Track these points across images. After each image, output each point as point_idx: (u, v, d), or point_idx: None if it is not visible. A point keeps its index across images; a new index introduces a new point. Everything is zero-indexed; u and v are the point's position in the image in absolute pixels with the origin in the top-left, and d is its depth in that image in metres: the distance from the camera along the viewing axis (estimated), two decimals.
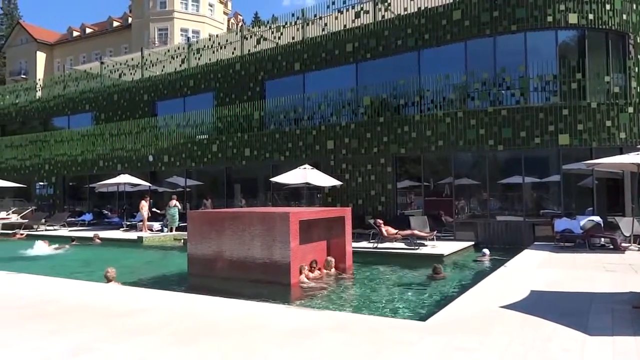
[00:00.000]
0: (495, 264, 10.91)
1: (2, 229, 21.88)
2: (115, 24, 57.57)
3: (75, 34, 60.76)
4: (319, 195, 19.30)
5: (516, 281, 8.31)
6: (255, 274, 9.75)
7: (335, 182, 16.96)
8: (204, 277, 10.51)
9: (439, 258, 12.19)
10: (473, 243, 14.89)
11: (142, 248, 16.89)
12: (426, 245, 13.57)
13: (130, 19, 54.59)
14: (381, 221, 14.04)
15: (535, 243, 13.90)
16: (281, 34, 22.01)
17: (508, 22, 16.02)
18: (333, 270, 10.71)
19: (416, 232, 13.80)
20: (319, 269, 10.38)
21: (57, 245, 16.17)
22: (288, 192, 19.83)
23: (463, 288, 8.60)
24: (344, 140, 18.22)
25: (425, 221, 15.03)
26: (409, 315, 7.31)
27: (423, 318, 6.32)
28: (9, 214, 25.45)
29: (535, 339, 4.98)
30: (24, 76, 57.71)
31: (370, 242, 14.20)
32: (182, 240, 16.88)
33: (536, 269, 9.64)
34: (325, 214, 11.41)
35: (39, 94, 32.79)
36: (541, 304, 6.52)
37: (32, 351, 4.74)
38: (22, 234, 20.77)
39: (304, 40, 20.95)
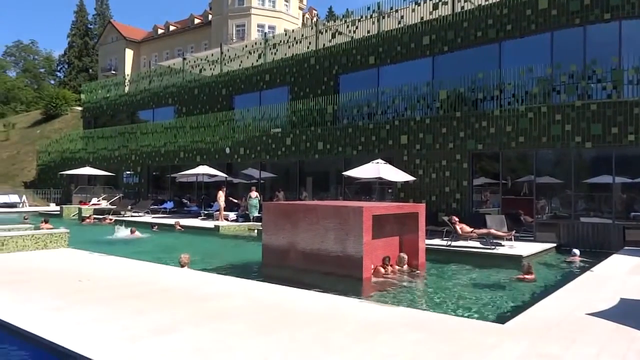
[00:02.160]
0: (582, 268, 10.27)
1: (94, 214, 23.60)
2: (196, 21, 60.00)
3: (160, 31, 64.04)
4: (389, 191, 19.10)
5: (604, 287, 7.78)
6: (328, 267, 9.83)
7: (409, 178, 16.69)
8: (278, 267, 10.74)
9: (517, 259, 11.67)
10: (555, 245, 14.10)
11: (218, 236, 17.57)
12: (503, 246, 13.04)
13: (210, 16, 56.68)
14: (457, 218, 13.65)
15: (626, 248, 12.92)
16: (356, 27, 21.94)
17: (601, 10, 14.95)
18: (406, 266, 10.57)
19: (493, 231, 13.29)
20: (392, 265, 10.28)
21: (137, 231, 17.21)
22: (359, 187, 19.80)
23: (544, 291, 8.17)
24: (418, 135, 17.87)
25: (503, 220, 14.43)
26: (485, 317, 7.06)
27: (501, 320, 6.08)
28: (99, 200, 27.46)
29: (629, 349, 4.64)
30: (113, 72, 61.71)
31: (443, 240, 13.86)
32: (256, 231, 17.39)
33: (627, 275, 8.97)
34: (398, 209, 11.27)
35: (127, 88, 34.97)
36: (634, 314, 6.06)
37: (121, 330, 5.08)
38: (111, 219, 22.30)
39: (379, 34, 20.75)
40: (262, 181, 23.82)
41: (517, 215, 15.62)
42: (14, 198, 30.77)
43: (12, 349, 5.10)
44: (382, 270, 9.95)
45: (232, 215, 21.22)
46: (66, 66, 77.14)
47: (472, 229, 13.41)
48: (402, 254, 10.73)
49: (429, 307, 7.57)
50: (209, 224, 19.59)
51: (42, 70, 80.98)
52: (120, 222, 19.04)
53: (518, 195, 16.12)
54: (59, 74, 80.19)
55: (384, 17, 21.08)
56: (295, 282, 8.10)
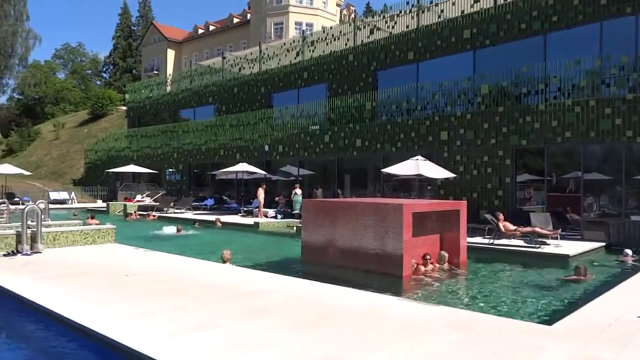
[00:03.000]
0: (634, 269, 9.83)
1: (138, 211, 24.34)
2: (235, 20, 60.82)
3: (200, 31, 65.28)
4: (428, 188, 18.84)
5: None
6: (367, 264, 9.78)
7: (449, 175, 16.40)
8: (317, 264, 10.77)
9: (563, 258, 11.30)
10: (604, 244, 13.54)
11: (257, 233, 17.79)
12: (549, 244, 12.63)
13: (249, 15, 57.33)
14: (501, 216, 13.31)
15: None
16: (395, 22, 21.70)
17: None
18: (446, 264, 10.40)
19: (538, 229, 12.89)
20: (432, 263, 10.14)
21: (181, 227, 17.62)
22: (397, 184, 19.61)
23: (594, 292, 7.86)
24: (459, 131, 17.53)
25: (548, 218, 13.98)
26: (530, 317, 6.86)
27: (548, 322, 5.88)
28: (143, 197, 28.26)
29: None
30: (156, 72, 63.36)
31: (485, 238, 13.56)
32: (295, 228, 17.49)
33: None
34: (439, 206, 11.09)
35: (168, 88, 35.85)
36: None
37: (166, 324, 5.20)
38: (154, 216, 22.95)
39: (418, 29, 20.46)
40: (300, 178, 23.93)
41: (563, 213, 15.11)
42: (63, 195, 32.10)
43: (65, 341, 5.32)
44: (423, 268, 9.83)
45: (271, 212, 21.44)
46: (111, 67, 79.78)
47: (515, 227, 13.05)
48: (442, 252, 10.57)
49: (471, 307, 7.41)
50: (249, 220, 19.86)
51: (88, 71, 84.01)
52: (165, 219, 19.54)
53: (564, 192, 15.58)
54: (104, 74, 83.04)
55: (423, 12, 20.76)
56: (334, 279, 8.09)
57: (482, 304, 7.71)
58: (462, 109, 18.06)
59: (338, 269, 10.16)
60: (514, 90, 16.84)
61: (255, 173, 23.66)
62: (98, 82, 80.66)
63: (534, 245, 12.47)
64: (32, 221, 10.39)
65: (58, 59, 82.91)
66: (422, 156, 16.66)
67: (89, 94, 63.33)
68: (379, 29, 22.51)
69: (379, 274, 9.42)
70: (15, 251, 9.95)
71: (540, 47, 16.70)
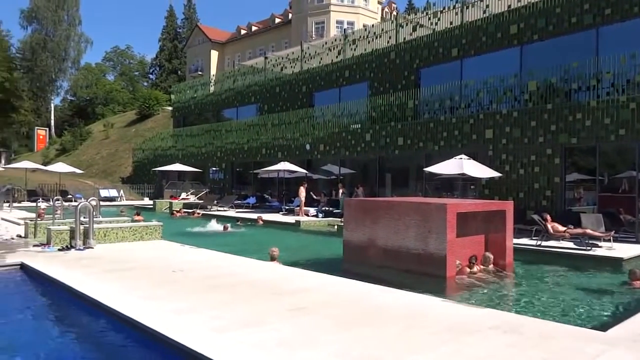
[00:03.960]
0: None
1: (183, 208, 24.96)
2: (277, 20, 61.37)
3: (242, 32, 66.26)
4: (472, 187, 18.43)
5: None
6: (409, 265, 9.67)
7: (494, 174, 15.99)
8: (358, 263, 10.73)
9: (617, 262, 10.81)
10: None
11: (299, 231, 17.89)
12: (600, 247, 12.11)
13: (290, 15, 57.74)
14: (549, 217, 12.87)
15: None
16: (438, 19, 21.34)
17: None
18: (492, 266, 10.15)
19: (589, 231, 12.38)
20: (477, 265, 9.91)
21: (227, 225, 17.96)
22: (439, 183, 19.28)
23: None
24: (505, 129, 17.06)
25: (600, 219, 13.39)
26: (581, 322, 6.59)
27: (603, 328, 5.64)
28: (188, 195, 28.99)
29: None
30: (200, 73, 64.76)
31: (532, 239, 13.13)
32: (336, 226, 17.51)
33: None
34: (484, 206, 10.83)
35: (212, 88, 36.59)
36: None
37: (212, 319, 5.31)
38: (198, 213, 23.48)
39: (462, 25, 20.04)
40: (341, 177, 23.92)
41: (616, 214, 14.45)
42: (113, 192, 33.30)
43: (115, 333, 5.52)
44: (467, 269, 9.63)
45: (312, 210, 21.53)
46: (157, 68, 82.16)
47: (565, 229, 12.58)
48: (487, 253, 10.31)
49: (518, 310, 7.20)
50: (290, 219, 20.01)
51: (136, 73, 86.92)
52: (209, 217, 19.95)
53: (617, 193, 14.90)
54: (151, 76, 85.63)
55: (467, 8, 20.32)
56: (376, 279, 8.04)
57: (529, 307, 7.48)
58: (508, 106, 17.56)
59: (379, 268, 10.09)
60: (564, 86, 16.23)
61: (296, 172, 23.82)
62: (145, 84, 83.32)
63: (584, 248, 11.99)
64: (84, 218, 10.84)
65: (108, 62, 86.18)
66: (466, 155, 16.31)
67: (136, 95, 65.51)
68: (421, 26, 22.20)
69: (421, 274, 9.30)
70: (69, 246, 10.40)
71: (592, 41, 16.03)
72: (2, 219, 17.42)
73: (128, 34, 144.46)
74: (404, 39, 22.63)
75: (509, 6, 18.61)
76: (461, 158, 15.69)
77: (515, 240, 11.68)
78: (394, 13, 47.80)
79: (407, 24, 23.05)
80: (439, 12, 21.37)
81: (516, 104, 17.41)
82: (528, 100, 16.99)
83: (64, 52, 63.05)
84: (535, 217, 13.31)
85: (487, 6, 19.68)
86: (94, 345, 5.51)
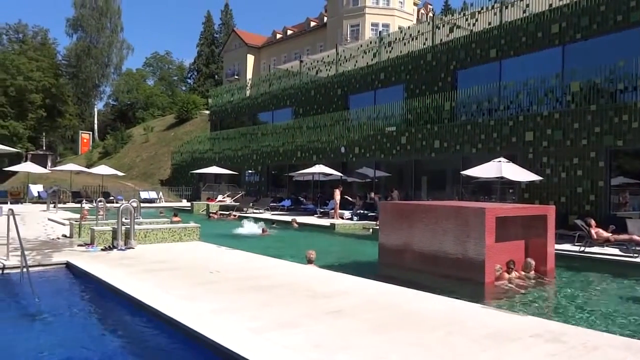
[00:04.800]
0: None
1: (220, 210, 25.36)
2: (312, 24, 61.70)
3: (278, 36, 66.93)
4: (510, 191, 18.00)
5: None
6: (446, 269, 9.52)
7: (534, 177, 15.56)
8: (394, 267, 10.64)
9: None
10: None
11: (333, 234, 17.89)
12: None
13: (325, 18, 57.94)
14: (593, 222, 12.42)
15: None
16: (476, 20, 20.99)
17: None
18: (532, 272, 9.87)
19: (636, 237, 11.88)
20: (517, 270, 9.66)
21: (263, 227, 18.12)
22: (476, 187, 18.91)
23: None
24: (546, 132, 16.59)
25: None
26: (627, 333, 6.32)
27: None
28: (224, 197, 29.43)
29: None
30: (236, 77, 65.77)
31: (575, 245, 12.70)
32: (371, 229, 17.41)
33: None
34: (524, 211, 10.56)
35: (248, 92, 37.08)
36: None
37: (248, 319, 5.37)
38: (235, 215, 23.80)
39: (501, 25, 19.64)
40: (376, 180, 23.79)
41: None
42: (152, 194, 34.17)
43: (154, 331, 5.64)
44: (507, 275, 9.40)
45: (347, 213, 21.49)
46: (195, 73, 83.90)
47: (610, 234, 12.12)
48: (528, 259, 10.04)
49: (561, 318, 6.97)
50: (325, 221, 20.02)
51: (175, 78, 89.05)
52: (248, 219, 20.16)
53: None
54: (189, 80, 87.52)
55: (506, 8, 19.89)
56: (412, 283, 7.94)
57: (572, 316, 7.23)
58: (549, 108, 17.09)
59: (415, 272, 9.97)
60: (609, 87, 15.66)
61: (331, 175, 23.83)
62: (183, 88, 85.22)
63: (631, 255, 11.51)
64: (125, 219, 11.15)
65: (148, 67, 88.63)
66: (505, 158, 15.95)
67: (175, 99, 67.07)
68: (458, 27, 21.88)
69: (459, 279, 9.13)
70: (111, 246, 10.73)
71: (639, 39, 15.41)
72: (49, 219, 18.14)
73: (167, 40, 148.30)
74: (441, 40, 22.35)
75: (550, 5, 18.12)
76: (500, 161, 15.37)
77: (557, 246, 11.32)
78: (430, 14, 47.29)
79: (443, 25, 22.76)
80: (476, 13, 21.01)
81: (558, 106, 16.92)
82: (570, 101, 16.48)
83: (106, 59, 65.29)
84: (579, 222, 12.86)
85: (527, 5, 19.21)
86: (135, 342, 5.65)
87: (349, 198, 23.02)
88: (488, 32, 20.03)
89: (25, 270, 7.60)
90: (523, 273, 9.80)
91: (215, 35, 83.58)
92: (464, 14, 21.83)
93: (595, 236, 12.16)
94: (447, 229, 9.60)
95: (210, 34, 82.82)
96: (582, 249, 12.32)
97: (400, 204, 12.60)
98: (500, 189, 17.90)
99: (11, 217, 8.59)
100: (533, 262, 9.96)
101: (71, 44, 66.06)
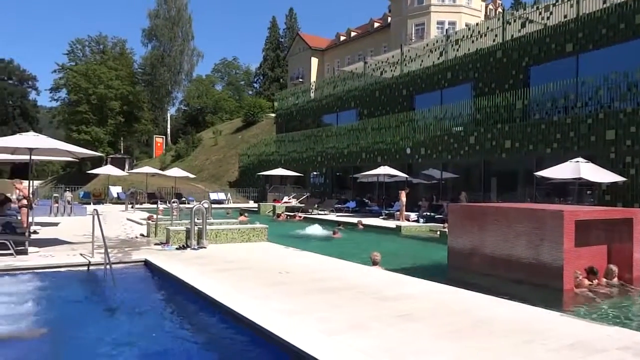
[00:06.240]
0: None
1: (285, 211, 25.78)
2: (376, 25, 61.38)
3: (342, 38, 67.17)
4: (588, 192, 16.97)
5: None
6: (519, 274, 9.12)
7: (617, 178, 14.60)
8: (463, 271, 10.34)
9: None
10: None
11: (400, 236, 17.64)
12: None
13: (389, 19, 57.44)
14: None
15: None
16: (550, 13, 20.03)
17: None
18: (615, 279, 9.23)
19: None
20: (598, 277, 9.08)
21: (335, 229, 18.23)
22: (551, 188, 18.01)
23: None
24: (629, 129, 15.51)
25: None
26: None
27: None
28: (290, 199, 29.88)
29: None
30: (300, 80, 66.69)
31: None
32: (439, 232, 17.02)
33: None
34: (606, 214, 9.91)
35: (312, 94, 37.46)
36: None
37: (318, 320, 5.41)
38: (300, 217, 24.10)
39: (578, 17, 18.61)
40: (443, 181, 23.26)
41: None
42: (221, 196, 35.35)
43: (227, 328, 5.83)
44: (587, 282, 8.85)
45: (413, 215, 21.15)
46: (261, 77, 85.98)
47: None
48: (611, 266, 9.40)
49: None
50: (391, 223, 19.81)
51: (242, 82, 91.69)
52: (314, 221, 20.34)
53: None
54: (255, 85, 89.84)
55: None
56: (483, 288, 7.67)
57: None
58: (633, 104, 15.95)
59: (486, 277, 9.62)
60: None
61: (396, 176, 23.57)
62: (250, 92, 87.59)
63: None
64: (198, 219, 11.60)
65: (216, 73, 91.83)
66: (583, 158, 15.08)
67: (242, 103, 69.07)
68: (531, 21, 20.95)
69: (534, 285, 8.71)
70: (185, 245, 11.20)
71: None
72: (127, 218, 19.24)
73: (235, 47, 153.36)
74: (512, 36, 21.51)
75: None
76: (578, 161, 14.56)
77: None
78: (499, 10, 45.62)
79: (514, 21, 21.88)
80: (551, 6, 20.04)
81: None
82: None
83: (178, 66, 68.32)
84: None
85: None
86: (209, 338, 5.86)
87: (423, 201, 22.37)
88: (564, 25, 19.04)
89: (108, 267, 8.10)
90: (605, 280, 9.20)
91: (280, 40, 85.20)
92: (537, 8, 20.87)
93: None
94: (520, 232, 9.20)
95: (275, 38, 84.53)
96: None
97: (471, 206, 12.23)
98: (577, 190, 16.93)
99: (95, 217, 9.19)
100: (616, 269, 9.32)
101: (146, 53, 69.83)
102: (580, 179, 14.34)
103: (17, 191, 13.78)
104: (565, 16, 19.37)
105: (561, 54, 19.03)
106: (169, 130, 69.26)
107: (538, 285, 8.68)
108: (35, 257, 9.32)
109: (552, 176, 14.91)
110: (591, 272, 9.05)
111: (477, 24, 25.02)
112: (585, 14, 18.45)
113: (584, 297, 8.35)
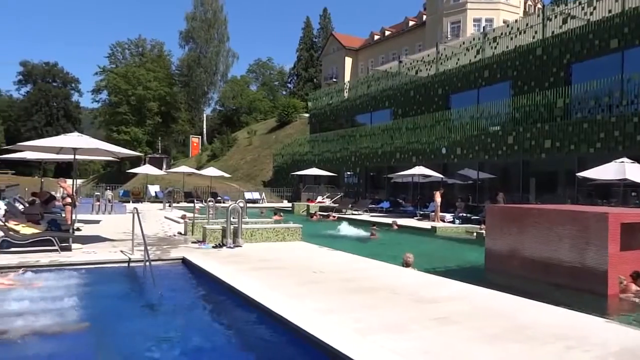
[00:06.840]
0: None
1: (319, 211, 25.83)
2: (411, 23, 60.73)
3: (375, 37, 66.77)
4: (633, 194, 16.32)
5: None
6: (560, 278, 8.85)
7: None
8: (501, 273, 10.11)
9: None
10: None
11: (435, 237, 17.42)
12: None
13: (424, 17, 56.74)
14: None
15: None
16: (594, 8, 19.35)
17: None
18: None
19: None
20: None
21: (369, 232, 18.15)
22: (593, 189, 17.41)
23: None
24: None
25: None
26: None
27: None
28: (324, 199, 29.92)
29: None
30: (334, 80, 66.66)
31: None
32: (475, 233, 16.72)
33: None
34: None
35: (346, 94, 37.38)
36: None
37: (353, 321, 5.38)
38: (334, 216, 24.10)
39: (624, 12, 17.91)
40: (479, 182, 22.82)
41: None
42: (255, 195, 35.72)
43: (262, 326, 5.88)
44: (633, 287, 8.51)
45: (448, 216, 20.83)
46: (295, 78, 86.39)
47: None
48: None
49: None
50: (425, 224, 19.58)
51: (276, 83, 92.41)
52: (344, 220, 20.33)
53: None
54: (289, 85, 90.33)
55: None
56: (522, 292, 7.46)
57: None
58: None
59: (524, 280, 9.40)
60: None
61: (430, 176, 23.27)
62: (284, 92, 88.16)
63: None
64: (233, 218, 11.74)
65: (251, 73, 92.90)
66: (629, 158, 14.50)
67: (276, 104, 69.62)
68: (573, 17, 20.31)
69: (576, 290, 8.44)
70: (221, 244, 11.36)
71: None
72: (165, 217, 19.67)
73: (269, 47, 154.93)
74: (552, 32, 20.90)
75: None
76: (623, 161, 14.03)
77: None
78: (539, 6, 44.41)
79: (555, 17, 21.26)
80: (594, 1, 19.35)
81: None
82: None
83: (214, 67, 69.45)
84: None
85: None
86: (244, 335, 5.93)
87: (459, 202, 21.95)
88: (608, 20, 18.36)
89: (147, 264, 8.30)
90: None
91: (314, 40, 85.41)
92: (580, 3, 20.21)
93: None
94: (562, 235, 8.93)
95: (309, 38, 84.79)
96: None
97: (510, 207, 11.95)
98: (621, 192, 16.31)
99: (135, 215, 9.42)
100: None
101: (183, 55, 71.27)
102: (625, 180, 13.80)
103: (62, 189, 14.30)
104: (609, 11, 18.68)
105: (605, 51, 18.36)
106: (204, 130, 70.45)
107: (580, 290, 8.42)
108: (79, 254, 9.64)
109: (596, 177, 14.41)
110: (637, 277, 8.70)
111: (515, 21, 24.41)
112: (632, 8, 17.74)
113: (629, 303, 8.04)
